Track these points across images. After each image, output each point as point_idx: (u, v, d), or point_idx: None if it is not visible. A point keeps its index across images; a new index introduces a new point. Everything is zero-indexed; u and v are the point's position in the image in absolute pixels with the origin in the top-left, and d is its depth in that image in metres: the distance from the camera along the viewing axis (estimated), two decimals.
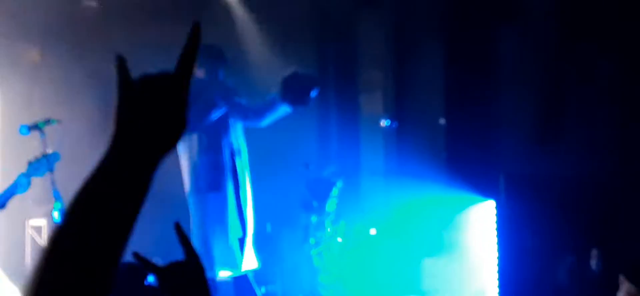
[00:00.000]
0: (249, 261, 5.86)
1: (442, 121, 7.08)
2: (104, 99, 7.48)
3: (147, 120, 1.16)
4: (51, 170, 5.38)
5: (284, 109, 5.73)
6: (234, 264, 5.75)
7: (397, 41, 7.74)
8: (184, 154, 5.85)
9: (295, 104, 5.66)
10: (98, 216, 1.11)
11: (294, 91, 5.60)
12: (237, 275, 5.82)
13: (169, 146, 1.18)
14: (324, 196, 6.73)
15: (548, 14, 6.44)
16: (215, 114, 5.76)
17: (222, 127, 5.86)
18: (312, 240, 6.73)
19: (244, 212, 5.89)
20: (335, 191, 6.77)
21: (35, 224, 7.03)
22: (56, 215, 5.35)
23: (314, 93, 5.65)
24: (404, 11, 7.59)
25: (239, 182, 5.91)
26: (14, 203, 5.63)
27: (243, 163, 5.97)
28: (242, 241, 5.81)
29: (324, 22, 8.16)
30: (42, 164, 5.39)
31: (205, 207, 5.79)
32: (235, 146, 5.93)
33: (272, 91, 5.74)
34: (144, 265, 1.89)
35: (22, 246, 6.99)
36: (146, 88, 1.18)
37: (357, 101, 8.15)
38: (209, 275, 4.57)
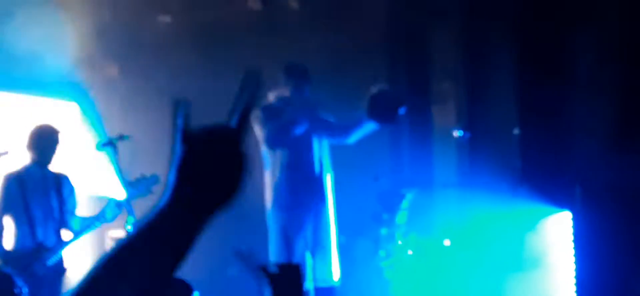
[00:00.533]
0: (334, 274, 5.87)
1: (516, 130, 6.96)
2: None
3: (208, 178, 1.10)
4: (150, 192, 5.34)
5: (370, 127, 5.73)
6: (313, 278, 5.73)
7: (469, 51, 7.65)
8: (268, 171, 5.87)
9: (382, 122, 5.65)
10: (140, 264, 1.10)
11: (381, 108, 5.59)
12: (323, 286, 5.81)
13: (222, 207, 1.11)
14: (394, 209, 6.69)
15: (625, 16, 6.27)
16: (298, 131, 5.77)
17: (305, 144, 5.86)
18: (382, 252, 6.70)
19: (327, 229, 5.89)
20: (405, 204, 6.72)
21: (115, 235, 7.19)
22: (129, 229, 5.44)
23: (401, 111, 5.64)
24: (475, 20, 7.50)
25: (322, 199, 5.90)
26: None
27: (327, 180, 5.97)
28: (319, 256, 5.80)
29: (396, 33, 8.13)
30: (142, 185, 5.41)
31: (286, 223, 5.79)
32: (319, 163, 5.92)
33: (352, 107, 5.76)
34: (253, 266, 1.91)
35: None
36: (209, 143, 1.11)
37: (429, 111, 8.08)
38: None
